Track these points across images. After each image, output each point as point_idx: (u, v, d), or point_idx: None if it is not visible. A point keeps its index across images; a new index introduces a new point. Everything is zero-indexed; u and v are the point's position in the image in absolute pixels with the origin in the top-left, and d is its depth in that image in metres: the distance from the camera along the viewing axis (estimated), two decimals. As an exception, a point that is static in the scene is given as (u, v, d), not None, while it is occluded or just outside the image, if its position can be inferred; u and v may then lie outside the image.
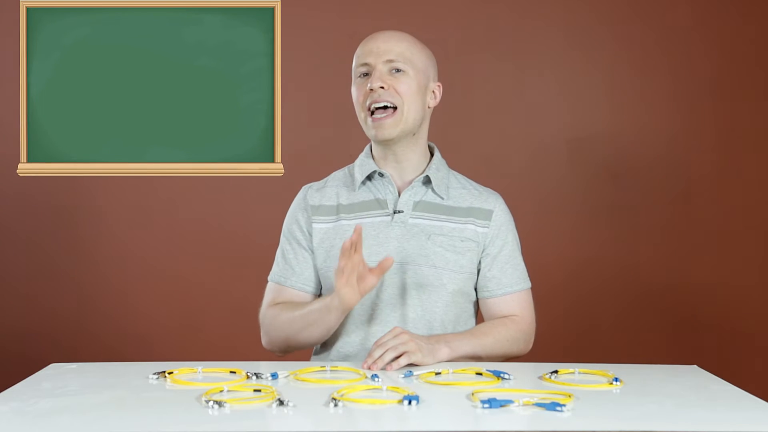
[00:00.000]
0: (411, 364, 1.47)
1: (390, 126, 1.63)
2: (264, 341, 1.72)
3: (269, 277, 1.76)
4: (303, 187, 1.79)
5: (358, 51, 1.69)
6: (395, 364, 1.45)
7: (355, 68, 1.69)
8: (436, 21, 2.88)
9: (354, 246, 1.50)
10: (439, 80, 1.74)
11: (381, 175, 1.70)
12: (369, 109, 1.64)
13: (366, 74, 1.66)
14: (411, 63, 1.65)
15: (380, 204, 1.70)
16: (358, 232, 1.50)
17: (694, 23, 2.93)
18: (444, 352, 1.53)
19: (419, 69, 1.67)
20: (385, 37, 1.67)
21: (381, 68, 1.64)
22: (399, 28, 1.74)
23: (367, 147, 1.77)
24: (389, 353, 1.46)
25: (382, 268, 1.52)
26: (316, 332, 1.63)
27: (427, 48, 1.72)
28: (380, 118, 1.63)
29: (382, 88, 1.62)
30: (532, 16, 2.94)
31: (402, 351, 1.46)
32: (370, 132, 1.67)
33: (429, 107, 1.72)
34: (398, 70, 1.64)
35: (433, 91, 1.72)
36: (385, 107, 1.63)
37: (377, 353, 1.46)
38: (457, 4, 2.93)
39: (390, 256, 1.53)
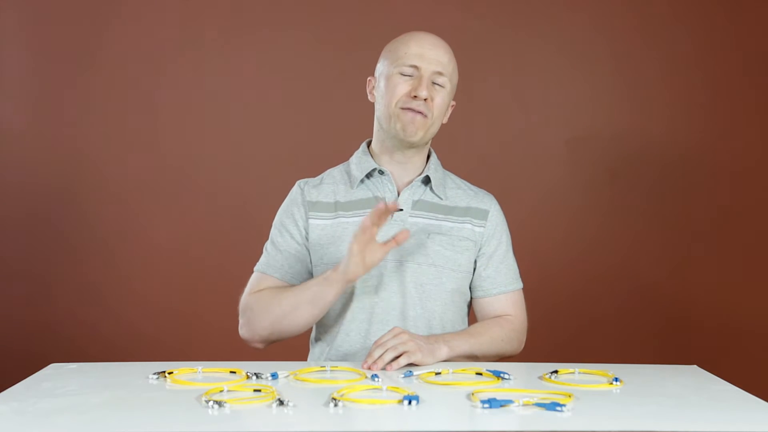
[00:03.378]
0: (411, 364, 1.47)
1: (418, 128, 1.64)
2: (243, 330, 1.67)
3: (255, 267, 1.73)
4: (297, 182, 1.77)
5: (404, 48, 1.66)
6: (395, 364, 1.45)
7: (398, 63, 1.66)
8: (436, 21, 2.88)
9: (380, 216, 1.50)
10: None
11: (381, 173, 1.71)
12: (403, 108, 1.64)
13: (409, 74, 1.65)
14: (451, 80, 1.68)
15: (379, 202, 1.69)
16: (393, 206, 1.50)
17: (691, 25, 2.93)
18: (443, 351, 1.54)
19: (453, 87, 1.71)
20: (435, 44, 1.67)
21: (429, 77, 1.64)
22: (397, 31, 1.73)
23: (364, 144, 1.76)
24: (389, 353, 1.45)
25: (397, 241, 1.51)
26: (308, 312, 1.59)
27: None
28: (414, 115, 1.63)
29: (425, 100, 1.63)
30: (532, 16, 2.94)
31: (402, 351, 1.46)
32: (394, 126, 1.66)
33: (443, 123, 1.73)
34: (439, 84, 1.66)
35: (449, 108, 1.73)
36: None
37: (377, 353, 1.46)
38: (455, 3, 2.93)
39: (406, 229, 1.53)
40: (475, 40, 2.91)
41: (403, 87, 1.65)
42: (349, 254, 1.52)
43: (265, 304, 1.64)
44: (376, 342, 1.50)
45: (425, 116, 1.64)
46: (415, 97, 1.63)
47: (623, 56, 2.94)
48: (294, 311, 1.60)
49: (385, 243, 1.52)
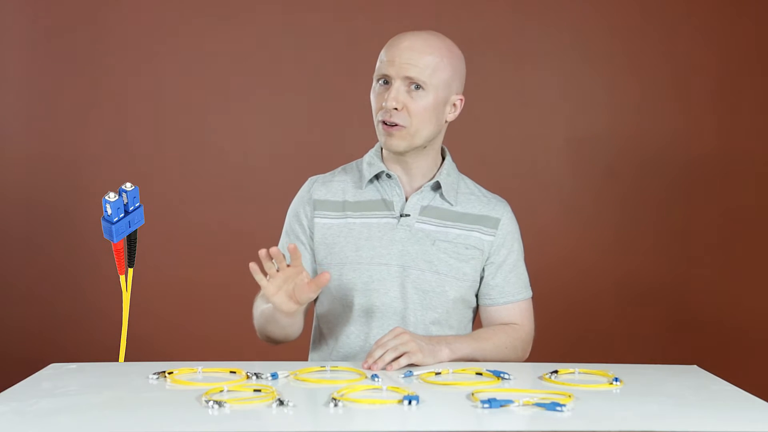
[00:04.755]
0: (411, 364, 1.47)
1: (398, 139, 1.60)
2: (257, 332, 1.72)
3: None
4: (309, 179, 1.77)
5: (382, 54, 1.62)
6: (395, 365, 1.44)
7: (377, 72, 1.63)
8: (436, 21, 2.88)
9: (277, 259, 1.44)
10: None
11: (389, 176, 1.69)
12: (380, 120, 1.61)
13: (385, 82, 1.61)
14: (431, 81, 1.58)
15: (387, 205, 1.68)
16: (293, 251, 1.44)
17: (694, 24, 2.93)
18: (444, 353, 1.53)
19: (440, 86, 1.60)
20: (410, 46, 1.59)
21: (398, 85, 1.58)
22: (396, 29, 1.70)
23: (378, 144, 1.73)
24: (389, 353, 1.45)
25: (318, 283, 1.46)
26: (276, 329, 1.60)
27: (456, 53, 1.64)
28: (390, 129, 1.60)
29: (396, 109, 1.58)
30: (534, 16, 2.94)
31: (402, 351, 1.45)
32: (380, 139, 1.65)
33: (446, 121, 1.67)
34: (417, 87, 1.59)
35: (454, 104, 1.66)
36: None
37: (377, 353, 1.46)
38: (457, 3, 2.93)
39: (328, 272, 1.46)
40: (477, 40, 2.91)
41: (378, 99, 1.62)
42: (267, 295, 1.48)
43: (256, 314, 1.68)
44: (376, 342, 1.49)
45: (402, 126, 1.59)
46: (385, 109, 1.59)
47: (625, 56, 2.94)
48: (267, 325, 1.62)
49: (311, 282, 1.46)
